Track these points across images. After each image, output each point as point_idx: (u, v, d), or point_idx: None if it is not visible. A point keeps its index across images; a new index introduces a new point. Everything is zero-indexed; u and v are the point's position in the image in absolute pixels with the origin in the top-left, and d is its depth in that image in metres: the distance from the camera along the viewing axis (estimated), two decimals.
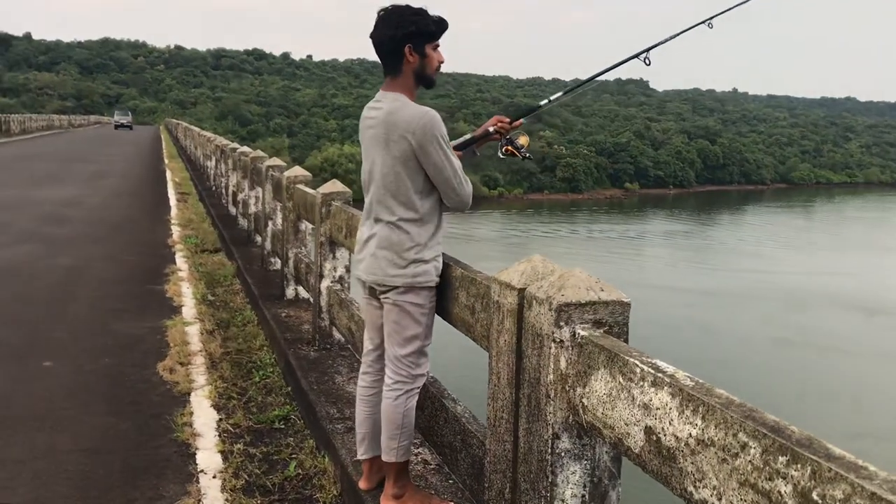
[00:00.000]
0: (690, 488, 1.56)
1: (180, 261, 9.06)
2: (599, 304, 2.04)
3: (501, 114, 3.32)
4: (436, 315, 2.97)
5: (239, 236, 10.17)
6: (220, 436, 4.12)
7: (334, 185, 5.10)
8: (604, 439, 1.94)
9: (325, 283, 5.07)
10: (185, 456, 3.87)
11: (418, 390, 2.96)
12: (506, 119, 3.21)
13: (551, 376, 2.07)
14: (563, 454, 2.08)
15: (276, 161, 8.61)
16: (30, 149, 31.34)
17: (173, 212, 13.62)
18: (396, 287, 2.84)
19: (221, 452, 3.91)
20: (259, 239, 8.88)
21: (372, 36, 2.86)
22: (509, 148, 3.20)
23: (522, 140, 3.21)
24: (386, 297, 2.88)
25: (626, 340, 2.03)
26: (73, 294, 7.24)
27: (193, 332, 6.07)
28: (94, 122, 78.32)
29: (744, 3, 3.54)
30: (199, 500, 3.42)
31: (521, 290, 2.24)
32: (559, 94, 3.37)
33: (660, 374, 1.68)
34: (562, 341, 2.03)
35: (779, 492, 1.33)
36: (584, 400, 1.96)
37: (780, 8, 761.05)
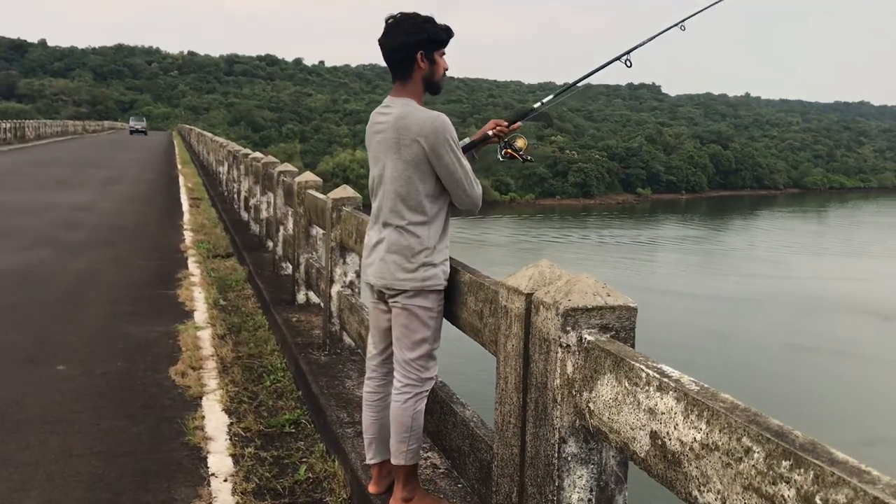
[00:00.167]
0: (695, 492, 1.57)
1: (192, 265, 9.12)
2: (606, 310, 2.05)
3: (499, 117, 3.36)
4: (445, 320, 2.99)
5: (251, 241, 10.22)
6: (231, 439, 4.15)
7: (345, 191, 5.13)
8: (610, 444, 1.95)
9: (335, 288, 5.09)
10: (196, 459, 3.90)
11: (427, 393, 2.97)
12: (504, 122, 3.24)
13: (558, 381, 2.08)
14: (569, 458, 2.09)
15: (287, 166, 8.65)
16: (44, 154, 31.59)
17: (186, 217, 13.70)
18: (406, 291, 2.86)
19: (232, 456, 3.94)
20: (270, 244, 8.92)
21: (383, 42, 2.88)
22: (509, 151, 3.23)
23: (520, 143, 3.25)
24: (395, 301, 2.90)
25: (632, 345, 2.04)
26: (85, 298, 7.29)
27: (205, 337, 6.11)
28: (108, 127, 78.89)
29: (716, 3, 3.64)
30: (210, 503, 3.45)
31: (529, 296, 2.25)
32: (550, 97, 3.44)
33: (665, 379, 1.69)
34: (568, 346, 2.04)
35: (782, 496, 1.33)
36: (591, 404, 1.97)
37: (791, 11, 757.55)
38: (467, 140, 3.24)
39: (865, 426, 14.09)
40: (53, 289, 7.60)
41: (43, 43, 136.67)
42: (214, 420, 4.42)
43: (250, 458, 3.90)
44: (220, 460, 3.89)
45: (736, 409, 1.51)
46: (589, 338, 2.01)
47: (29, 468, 3.71)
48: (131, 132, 65.19)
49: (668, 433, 1.65)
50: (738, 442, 1.45)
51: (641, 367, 1.77)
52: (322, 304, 5.65)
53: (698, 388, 1.63)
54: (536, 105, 3.41)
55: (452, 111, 74.70)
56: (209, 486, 3.61)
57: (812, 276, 32.24)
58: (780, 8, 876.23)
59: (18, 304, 6.92)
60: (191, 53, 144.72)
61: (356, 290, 5.05)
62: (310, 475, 3.71)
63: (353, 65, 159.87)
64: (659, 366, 1.77)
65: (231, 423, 4.36)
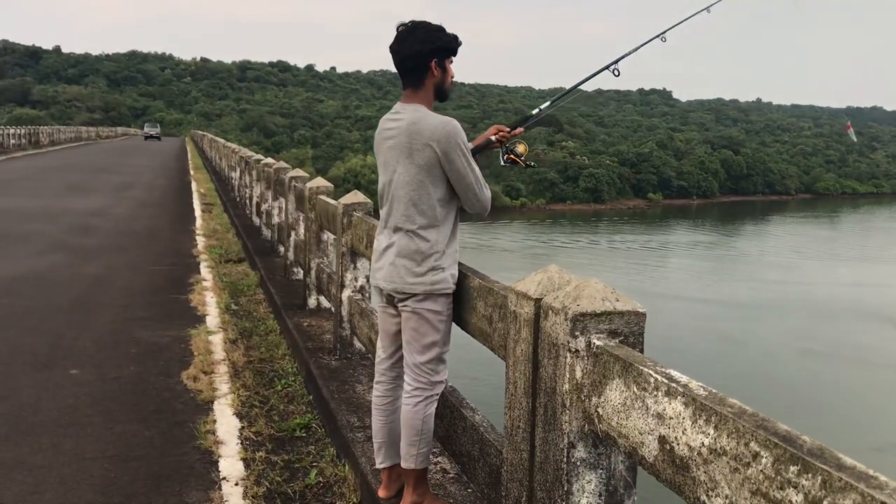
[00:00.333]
0: (703, 497, 1.58)
1: (205, 271, 9.16)
2: (615, 315, 2.06)
3: (501, 123, 3.44)
4: (455, 325, 3.00)
5: (262, 246, 10.27)
6: (242, 443, 4.17)
7: (355, 196, 5.15)
8: (619, 448, 1.96)
9: (346, 293, 5.12)
10: (207, 463, 3.92)
11: (437, 397, 2.99)
12: (505, 128, 3.31)
13: (567, 386, 2.09)
14: (578, 463, 2.09)
15: (298, 172, 8.70)
16: (58, 160, 31.81)
17: (198, 222, 13.78)
18: (415, 294, 2.88)
19: (244, 460, 3.96)
20: (282, 249, 8.96)
21: (396, 50, 2.92)
22: (510, 156, 3.29)
23: (521, 148, 3.30)
24: (405, 306, 2.92)
25: (641, 350, 2.04)
26: (98, 303, 7.34)
27: (217, 341, 6.14)
28: (121, 133, 79.37)
29: (695, 15, 3.77)
30: None
31: (538, 301, 2.26)
32: (546, 104, 3.54)
33: (673, 384, 1.70)
34: (577, 351, 2.05)
35: (790, 501, 1.34)
36: (600, 409, 1.98)
37: (804, 15, 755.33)
38: (470, 145, 3.27)
39: (876, 432, 14.00)
40: (67, 293, 7.66)
41: (57, 50, 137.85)
42: (226, 424, 4.44)
43: (261, 462, 3.92)
44: (231, 464, 3.92)
45: (744, 413, 1.51)
46: (598, 343, 2.02)
47: (42, 471, 3.74)
48: (146, 138, 67.67)
49: (676, 438, 1.66)
50: (745, 447, 1.45)
51: (650, 372, 1.78)
52: (333, 309, 5.67)
53: (706, 393, 1.63)
54: (534, 112, 3.50)
55: (463, 117, 74.75)
56: (220, 489, 3.63)
57: (824, 282, 32.06)
58: (791, 11, 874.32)
59: (33, 309, 6.97)
60: (203, 60, 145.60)
61: (366, 294, 5.06)
62: (320, 479, 3.73)
63: (365, 71, 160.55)
64: (667, 371, 1.77)
65: (242, 428, 4.38)
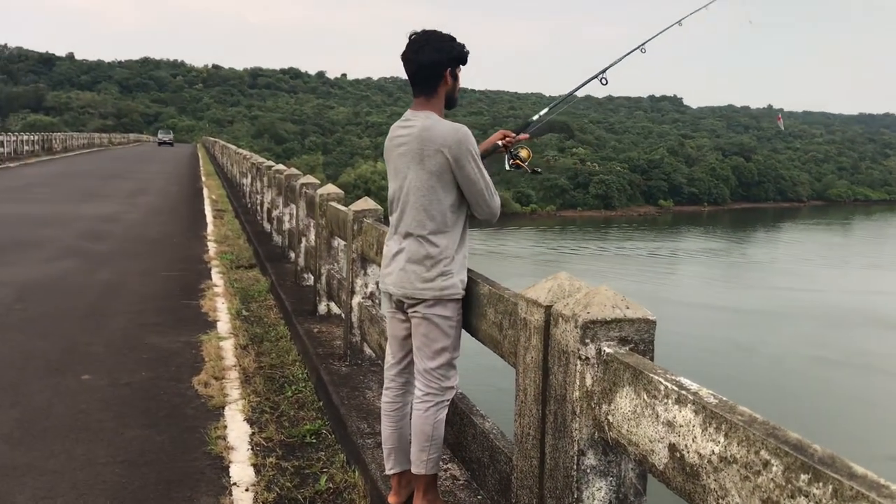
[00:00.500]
0: None
1: (216, 276, 9.20)
2: (625, 322, 2.06)
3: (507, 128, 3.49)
4: (465, 332, 3.01)
5: (273, 252, 10.30)
6: (252, 449, 4.18)
7: (366, 203, 5.17)
8: (629, 456, 1.96)
9: (356, 300, 5.13)
10: (218, 469, 3.94)
11: (448, 402, 3.00)
12: (511, 133, 3.36)
13: (577, 393, 2.09)
14: (588, 470, 2.09)
15: (309, 178, 8.72)
16: (71, 166, 32.03)
17: (209, 228, 13.83)
18: (425, 300, 2.89)
19: (254, 466, 3.97)
20: (293, 255, 8.99)
21: (411, 59, 2.94)
22: (517, 161, 3.34)
23: (524, 153, 3.35)
24: (415, 311, 2.93)
25: (651, 358, 2.04)
26: (110, 308, 7.38)
27: (228, 347, 6.16)
28: (133, 140, 79.89)
29: (668, 28, 3.94)
30: None
31: (548, 308, 2.26)
32: (545, 110, 3.63)
33: (683, 392, 1.69)
34: (587, 358, 2.05)
35: None
36: (610, 417, 1.98)
37: (814, 21, 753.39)
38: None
39: (888, 441, 13.89)
40: (79, 299, 7.71)
41: (70, 56, 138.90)
42: (236, 430, 4.46)
43: (272, 468, 3.93)
44: (241, 470, 3.93)
45: (754, 421, 1.51)
46: (608, 350, 2.02)
47: (55, 476, 3.76)
48: (159, 143, 69.87)
49: (686, 446, 1.66)
50: (756, 455, 1.45)
51: (660, 379, 1.78)
52: (343, 315, 5.68)
53: (716, 400, 1.63)
54: (535, 118, 3.59)
55: (473, 123, 74.85)
56: (231, 495, 3.64)
57: (836, 290, 31.88)
58: (803, 18, 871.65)
59: (45, 314, 7.02)
60: (215, 67, 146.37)
61: (377, 301, 5.07)
62: (330, 485, 3.73)
63: (375, 77, 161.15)
64: (677, 378, 1.77)
65: (253, 433, 4.40)
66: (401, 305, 3.01)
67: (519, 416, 2.46)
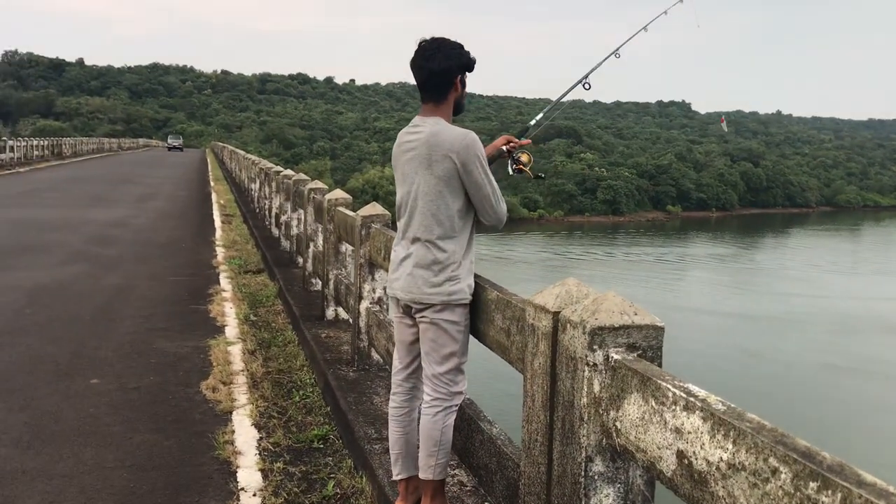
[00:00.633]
0: None
1: (224, 281, 9.23)
2: (633, 328, 2.06)
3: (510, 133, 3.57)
4: (472, 338, 3.02)
5: (281, 257, 10.33)
6: (260, 454, 4.19)
7: (374, 208, 5.18)
8: (637, 463, 1.95)
9: (363, 305, 5.13)
10: (226, 474, 3.94)
11: (457, 407, 3.01)
12: (514, 138, 3.42)
13: (585, 399, 2.09)
14: (596, 477, 2.09)
15: (317, 184, 8.75)
16: (80, 171, 32.17)
17: (218, 233, 13.87)
18: (433, 305, 2.90)
19: (262, 471, 3.98)
20: (301, 260, 9.01)
21: (422, 66, 2.96)
22: (519, 166, 3.38)
23: (524, 158, 3.40)
24: (423, 317, 2.94)
25: (659, 364, 2.04)
26: (119, 313, 7.41)
27: (236, 352, 6.17)
28: (142, 145, 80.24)
29: (641, 30, 4.28)
30: None
31: (556, 314, 2.26)
32: (540, 115, 3.81)
33: (691, 399, 1.69)
34: (595, 365, 2.05)
35: None
36: (618, 423, 1.97)
37: (823, 26, 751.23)
38: None
39: None
40: (88, 303, 7.74)
41: (80, 62, 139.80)
42: (244, 435, 4.46)
43: (279, 473, 3.94)
44: (249, 475, 3.93)
45: (763, 429, 1.51)
46: (616, 356, 2.01)
47: (63, 480, 3.77)
48: (169, 148, 71.27)
49: (694, 453, 1.66)
50: (764, 462, 1.45)
51: (668, 386, 1.78)
52: (351, 321, 5.69)
53: (725, 407, 1.63)
54: (531, 122, 3.72)
55: (481, 129, 74.93)
56: (238, 500, 3.65)
57: (846, 296, 31.74)
58: (810, 23, 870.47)
59: (54, 318, 7.05)
60: (224, 72, 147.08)
61: (384, 306, 5.08)
62: (338, 491, 3.73)
63: (383, 83, 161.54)
64: (685, 385, 1.77)
65: (260, 438, 4.40)
66: (408, 310, 3.02)
67: (526, 422, 2.46)
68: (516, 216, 58.49)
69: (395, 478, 3.19)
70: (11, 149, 35.09)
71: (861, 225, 76.89)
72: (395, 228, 3.59)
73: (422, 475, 2.98)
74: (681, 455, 1.70)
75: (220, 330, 6.87)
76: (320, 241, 7.54)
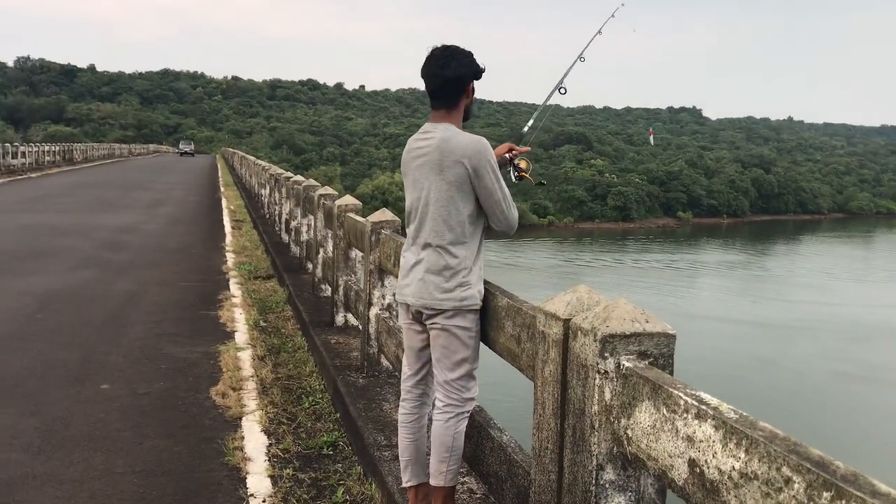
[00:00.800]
0: None
1: (234, 287, 9.25)
2: (644, 336, 2.04)
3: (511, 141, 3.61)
4: (482, 345, 3.01)
5: (291, 263, 10.34)
6: (269, 460, 4.19)
7: (384, 214, 5.18)
8: (648, 471, 1.94)
9: (373, 311, 5.13)
10: (235, 480, 3.94)
11: (468, 414, 3.00)
12: (516, 146, 3.46)
13: (596, 407, 2.07)
14: (607, 485, 2.08)
15: (327, 190, 8.76)
16: (91, 177, 32.35)
17: (228, 239, 13.91)
18: (444, 311, 2.90)
19: (271, 477, 3.98)
20: (310, 266, 9.02)
21: (436, 73, 2.97)
22: (521, 173, 3.42)
23: (523, 164, 3.44)
24: (433, 323, 2.94)
25: (671, 372, 2.03)
26: (129, 318, 7.44)
27: (245, 358, 6.18)
28: (153, 150, 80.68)
29: (597, 33, 4.42)
30: None
31: (567, 321, 2.25)
32: (531, 121, 3.97)
33: (703, 407, 1.68)
34: (606, 372, 2.04)
35: None
36: (629, 431, 1.96)
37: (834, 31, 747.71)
38: None
39: None
40: (99, 309, 7.77)
41: (91, 68, 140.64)
42: (254, 441, 4.46)
43: (289, 479, 3.93)
44: (258, 481, 3.93)
45: (776, 438, 1.49)
46: (627, 364, 2.00)
47: (74, 485, 3.78)
48: (181, 154, 73.53)
49: (706, 461, 1.64)
50: (777, 471, 1.43)
51: (680, 394, 1.76)
52: (360, 327, 5.69)
53: (737, 416, 1.62)
54: (524, 129, 3.89)
55: (492, 135, 74.95)
56: None
57: (858, 303, 31.55)
58: (823, 29, 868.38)
59: (65, 324, 7.08)
60: (234, 78, 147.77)
61: (394, 312, 5.07)
62: (347, 498, 3.73)
63: (393, 89, 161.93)
64: (697, 393, 1.76)
65: (270, 444, 4.40)
66: (418, 317, 3.01)
67: (537, 429, 2.44)
68: (526, 222, 58.42)
69: (404, 485, 3.18)
70: (23, 154, 35.34)
71: (874, 232, 76.44)
72: (404, 234, 3.59)
73: (433, 481, 2.97)
74: (692, 464, 1.69)
75: (229, 336, 6.89)
76: (330, 247, 7.55)
